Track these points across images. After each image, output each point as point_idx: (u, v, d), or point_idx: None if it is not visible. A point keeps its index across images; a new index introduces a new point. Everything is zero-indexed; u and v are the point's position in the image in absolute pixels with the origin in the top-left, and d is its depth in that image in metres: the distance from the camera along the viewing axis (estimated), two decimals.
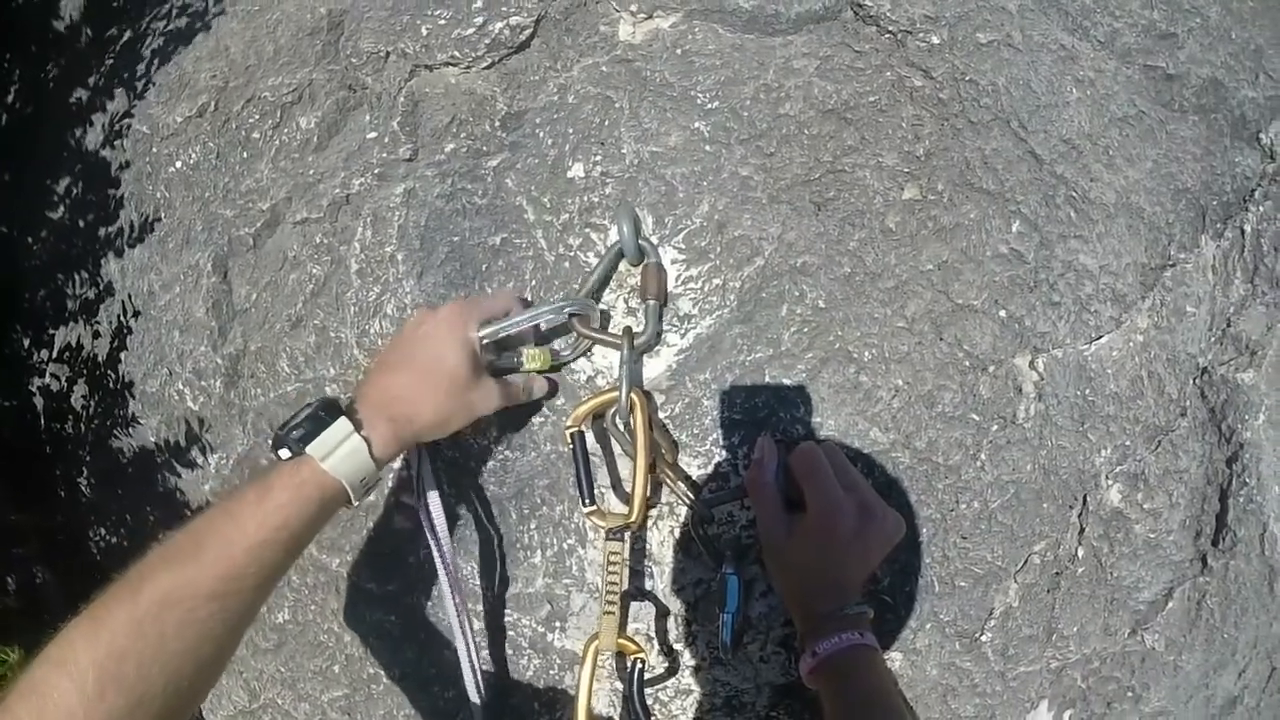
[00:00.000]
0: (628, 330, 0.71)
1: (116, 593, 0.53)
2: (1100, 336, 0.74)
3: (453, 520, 0.79)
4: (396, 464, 0.81)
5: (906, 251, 0.73)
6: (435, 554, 0.73)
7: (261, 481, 0.59)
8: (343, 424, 0.60)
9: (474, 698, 0.76)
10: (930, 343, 0.72)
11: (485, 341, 0.67)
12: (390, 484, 0.83)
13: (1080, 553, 0.76)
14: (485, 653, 0.82)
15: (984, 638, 0.75)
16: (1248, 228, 0.76)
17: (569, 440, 0.70)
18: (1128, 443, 0.76)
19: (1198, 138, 0.77)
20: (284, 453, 0.60)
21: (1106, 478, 0.76)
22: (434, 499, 0.73)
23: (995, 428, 0.73)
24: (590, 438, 0.74)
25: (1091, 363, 0.75)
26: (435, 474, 0.75)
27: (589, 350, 0.76)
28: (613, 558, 0.67)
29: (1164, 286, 0.76)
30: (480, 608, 0.80)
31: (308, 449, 0.59)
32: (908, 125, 0.74)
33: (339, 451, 0.59)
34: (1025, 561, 0.75)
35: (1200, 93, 0.77)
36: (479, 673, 0.75)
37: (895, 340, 0.72)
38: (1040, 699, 0.78)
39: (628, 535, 0.69)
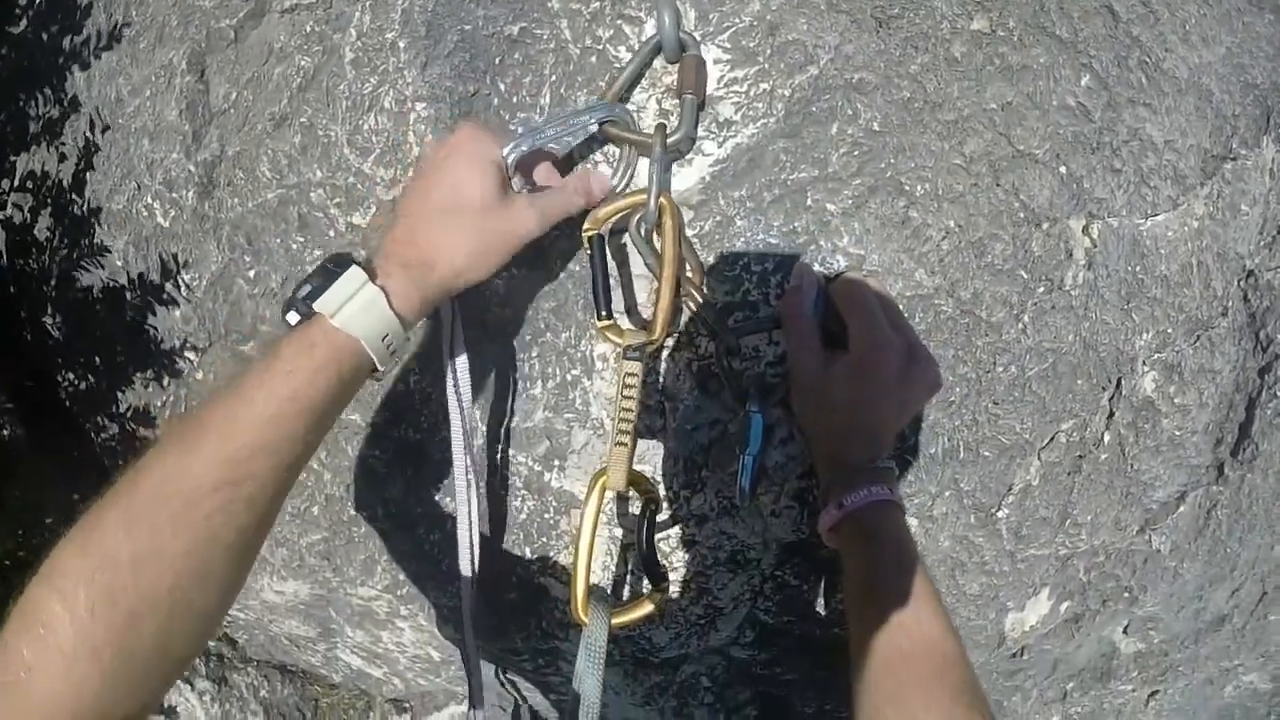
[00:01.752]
0: (660, 127, 0.62)
1: (112, 494, 0.46)
2: (1157, 214, 0.70)
3: None
4: None
5: (970, 85, 0.66)
6: (455, 423, 0.66)
7: (269, 352, 0.51)
8: (354, 274, 0.52)
9: (465, 571, 0.69)
10: (987, 187, 0.66)
11: (512, 159, 0.57)
12: None
13: (1106, 438, 0.72)
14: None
15: (1000, 514, 0.71)
16: None
17: (586, 245, 0.62)
18: (1169, 330, 0.72)
19: (1273, 36, 0.73)
20: (292, 316, 0.52)
21: (1144, 363, 0.72)
22: (462, 364, 0.66)
23: (1041, 290, 0.68)
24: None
25: (1145, 239, 0.70)
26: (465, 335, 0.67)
27: (633, 173, 0.66)
28: (629, 380, 0.58)
29: (1223, 178, 0.72)
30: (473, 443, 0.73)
31: (316, 305, 0.51)
32: None
33: (352, 305, 0.51)
34: (1052, 438, 0.70)
35: None
36: (476, 550, 0.68)
37: (950, 178, 0.66)
38: (1043, 586, 0.75)
39: (645, 356, 0.60)
